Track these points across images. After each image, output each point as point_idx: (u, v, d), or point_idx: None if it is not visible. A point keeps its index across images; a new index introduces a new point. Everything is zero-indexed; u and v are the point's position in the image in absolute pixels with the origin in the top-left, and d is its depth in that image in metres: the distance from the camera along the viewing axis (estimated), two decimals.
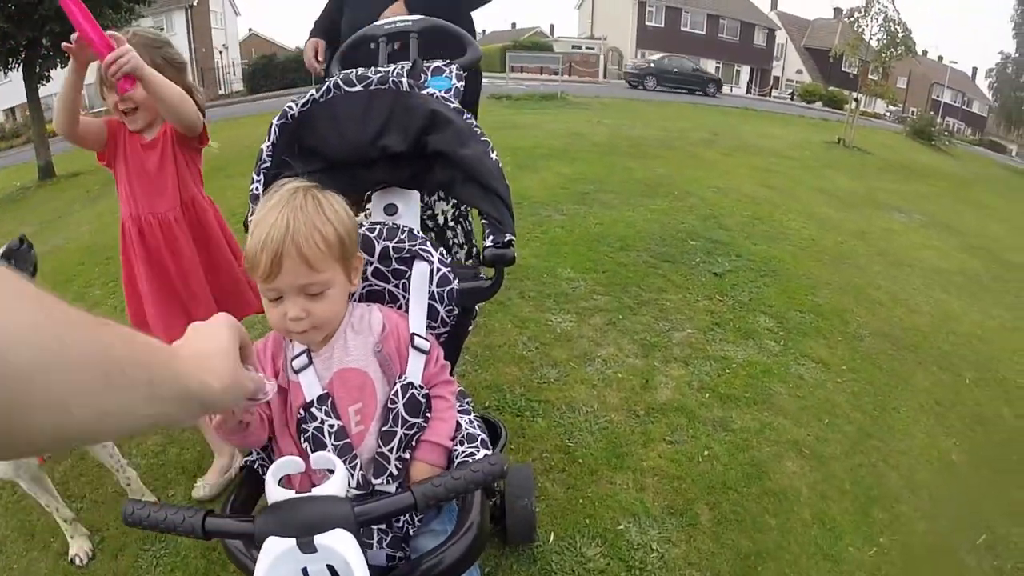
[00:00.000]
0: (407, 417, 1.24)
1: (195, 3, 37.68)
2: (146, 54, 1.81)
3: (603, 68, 40.79)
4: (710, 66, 40.05)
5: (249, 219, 1.42)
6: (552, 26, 67.99)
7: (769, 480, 2.28)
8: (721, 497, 2.19)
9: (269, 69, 37.22)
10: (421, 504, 0.95)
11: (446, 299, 1.37)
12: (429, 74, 1.60)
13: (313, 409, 1.20)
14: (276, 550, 0.88)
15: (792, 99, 39.42)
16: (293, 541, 0.88)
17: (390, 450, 1.22)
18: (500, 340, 3.03)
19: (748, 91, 44.54)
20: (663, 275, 3.70)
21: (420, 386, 1.26)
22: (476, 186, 1.39)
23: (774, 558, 1.99)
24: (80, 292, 4.65)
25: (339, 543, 0.88)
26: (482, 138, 1.41)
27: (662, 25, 41.95)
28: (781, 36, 49.68)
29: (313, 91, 1.48)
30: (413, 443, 1.25)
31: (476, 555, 1.07)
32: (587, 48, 42.54)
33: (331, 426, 1.20)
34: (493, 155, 1.40)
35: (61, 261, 5.72)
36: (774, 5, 52.05)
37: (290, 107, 1.46)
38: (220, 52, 43.85)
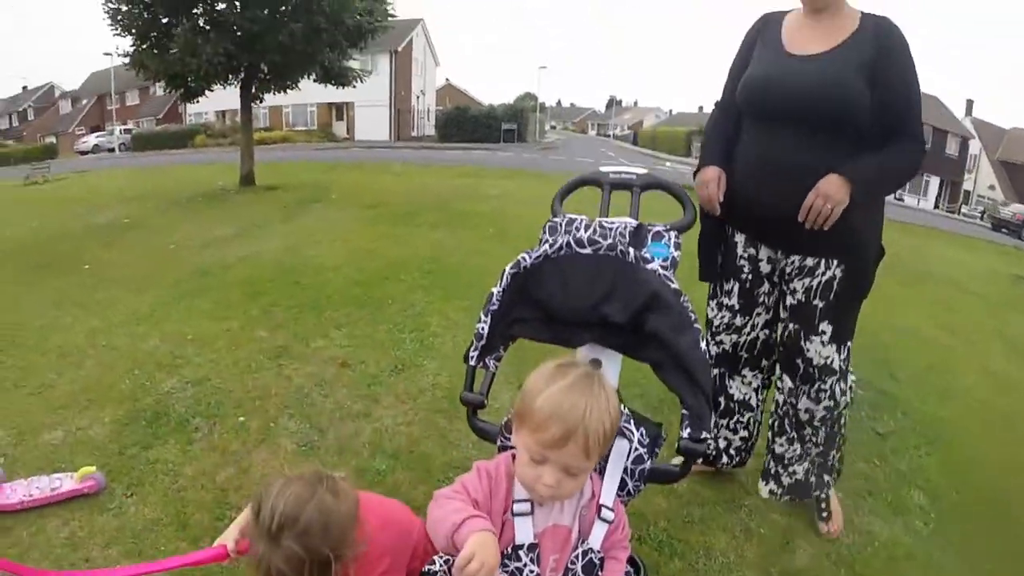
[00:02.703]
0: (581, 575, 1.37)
1: (399, 49, 40.41)
2: (294, 544, 1.32)
3: None
4: None
5: (471, 354, 1.63)
6: None
7: None
8: None
9: (461, 120, 39.29)
10: None
11: (637, 475, 1.48)
12: (650, 238, 1.71)
13: (521, 552, 1.34)
14: None
15: (981, 218, 36.77)
16: None
17: None
18: None
19: (936, 205, 41.85)
20: None
21: (598, 551, 1.38)
22: (684, 376, 1.48)
23: None
24: (266, 310, 5.07)
25: None
26: (695, 325, 1.50)
27: None
28: (974, 146, 46.21)
29: (547, 246, 1.64)
30: None
31: None
32: None
33: (531, 571, 1.34)
34: (702, 344, 1.49)
35: (252, 272, 6.31)
36: (969, 110, 48.55)
37: (524, 258, 1.63)
38: (417, 97, 46.85)
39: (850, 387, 2.52)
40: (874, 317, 5.90)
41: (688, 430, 1.46)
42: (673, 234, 1.73)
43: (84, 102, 62.57)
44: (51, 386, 4.02)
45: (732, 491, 2.85)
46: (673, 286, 1.54)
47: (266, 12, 11.60)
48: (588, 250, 1.61)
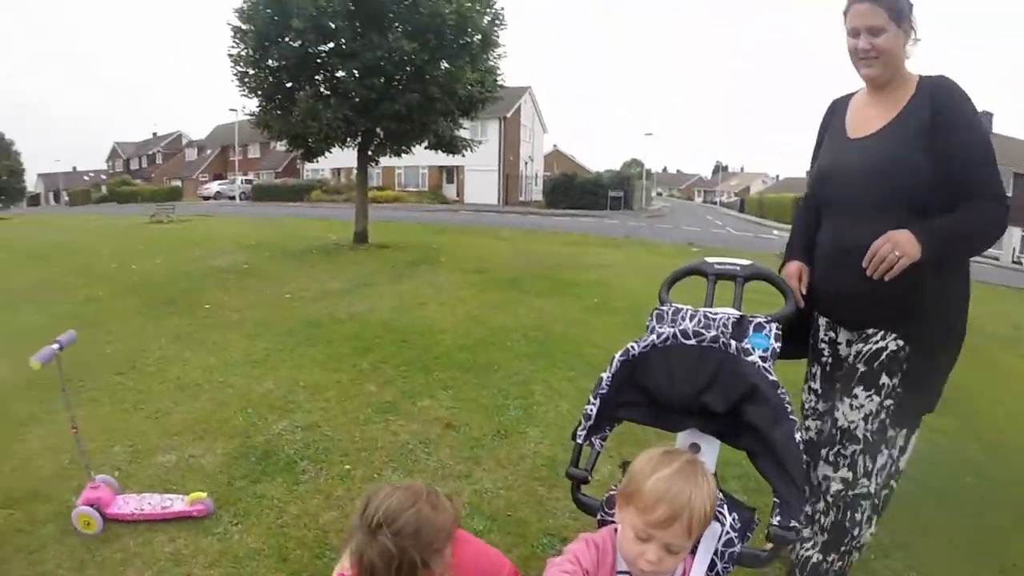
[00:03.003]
0: None
1: (508, 116, 41.74)
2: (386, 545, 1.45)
3: None
4: (1016, 236, 34.39)
5: (579, 433, 1.78)
6: None
7: None
8: None
9: (568, 187, 39.92)
10: None
11: (726, 557, 1.55)
12: (751, 329, 1.80)
13: None
14: None
15: None
16: None
17: None
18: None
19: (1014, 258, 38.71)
20: (929, 514, 3.30)
21: None
22: (777, 466, 1.57)
23: None
24: (375, 365, 5.29)
25: None
26: (791, 416, 1.57)
27: None
28: None
29: (654, 336, 1.76)
30: None
31: None
32: None
33: None
34: (797, 436, 1.56)
35: (362, 328, 6.59)
36: None
37: (632, 347, 1.76)
38: (525, 163, 48.15)
39: (881, 470, 2.24)
40: (986, 395, 5.55)
41: (778, 518, 1.54)
42: (774, 325, 1.81)
43: (208, 151, 67.48)
44: (167, 413, 4.33)
45: None
46: (771, 378, 1.62)
47: (383, 81, 12.29)
48: (693, 341, 1.73)
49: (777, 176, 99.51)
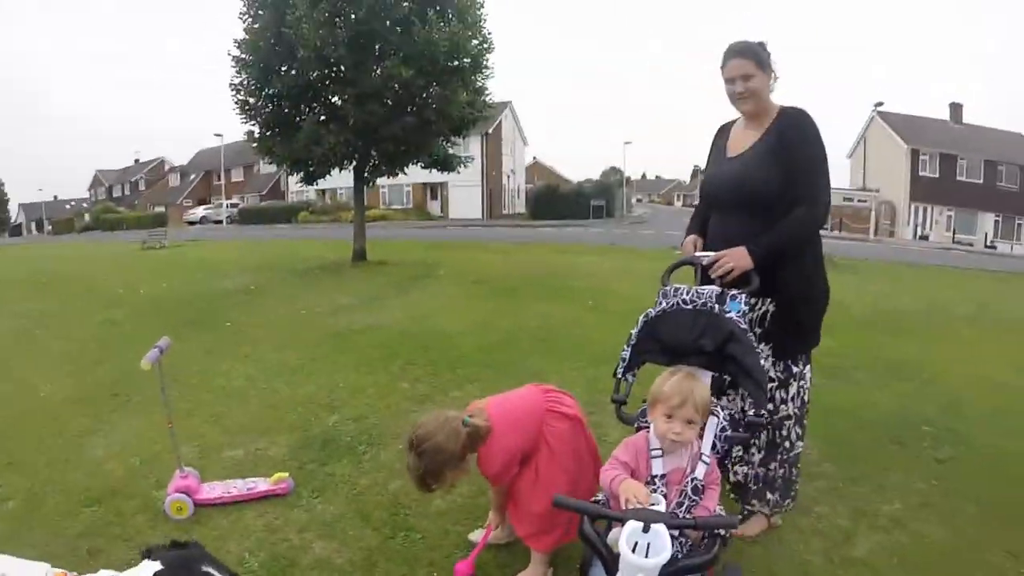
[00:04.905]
0: (691, 495, 2.15)
1: (490, 131, 42.15)
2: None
3: (875, 224, 39.35)
4: (988, 220, 36.98)
5: (618, 371, 2.57)
6: None
7: None
8: None
9: (551, 198, 40.38)
10: (700, 524, 1.86)
11: (723, 440, 2.32)
12: (728, 298, 2.51)
13: (656, 479, 2.16)
14: (634, 526, 1.78)
15: None
16: (641, 524, 1.77)
17: (679, 507, 2.16)
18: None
19: None
20: (889, 453, 3.94)
21: (701, 479, 2.17)
22: (751, 382, 2.37)
23: None
24: (404, 367, 5.82)
25: (662, 530, 1.78)
26: (757, 350, 2.38)
27: (936, 175, 38.38)
28: None
29: (664, 304, 2.55)
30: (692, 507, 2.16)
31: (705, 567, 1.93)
32: (859, 201, 40.92)
33: (663, 492, 2.14)
34: (762, 362, 2.40)
35: (385, 337, 7.14)
36: None
37: (650, 312, 2.57)
38: (508, 176, 48.54)
39: (796, 396, 2.90)
40: (948, 365, 6.12)
41: (752, 412, 2.39)
42: (743, 296, 2.54)
43: (192, 176, 66.97)
44: (223, 416, 4.75)
45: (803, 503, 3.30)
46: (743, 327, 2.41)
47: (381, 105, 12.83)
48: (690, 307, 2.52)
49: None
